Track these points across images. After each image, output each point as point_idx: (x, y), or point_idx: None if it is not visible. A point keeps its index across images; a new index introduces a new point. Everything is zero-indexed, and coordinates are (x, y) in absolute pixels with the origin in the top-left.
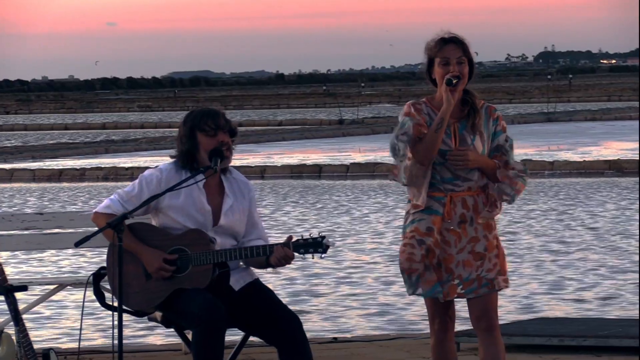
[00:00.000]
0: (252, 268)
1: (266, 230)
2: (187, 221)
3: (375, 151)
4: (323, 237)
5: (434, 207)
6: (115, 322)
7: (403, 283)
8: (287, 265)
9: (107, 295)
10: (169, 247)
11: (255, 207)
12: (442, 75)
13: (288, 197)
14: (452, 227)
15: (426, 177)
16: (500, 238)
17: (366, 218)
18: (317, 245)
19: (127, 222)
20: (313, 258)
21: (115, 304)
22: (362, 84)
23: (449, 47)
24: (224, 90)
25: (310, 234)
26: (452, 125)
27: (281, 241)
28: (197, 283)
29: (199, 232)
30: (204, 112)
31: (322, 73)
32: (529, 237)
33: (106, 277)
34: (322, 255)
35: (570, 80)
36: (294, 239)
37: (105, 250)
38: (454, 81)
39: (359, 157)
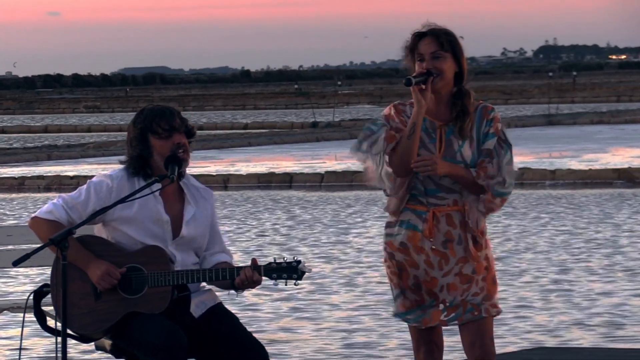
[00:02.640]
0: (214, 289)
1: (229, 248)
2: (143, 235)
3: (353, 158)
4: (299, 262)
5: (412, 221)
6: (59, 347)
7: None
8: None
9: (51, 317)
10: (122, 265)
11: (217, 216)
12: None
13: (255, 210)
14: (434, 247)
15: (404, 186)
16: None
17: (343, 235)
18: (291, 271)
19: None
20: (286, 285)
21: (59, 327)
22: (339, 82)
23: (423, 41)
24: (182, 88)
25: (284, 258)
26: (439, 129)
27: (248, 262)
28: (154, 307)
29: (157, 249)
30: (156, 112)
31: (293, 70)
32: (529, 255)
33: (49, 295)
34: (297, 282)
35: (575, 78)
36: (266, 262)
37: (49, 268)
38: (414, 80)
39: (335, 165)
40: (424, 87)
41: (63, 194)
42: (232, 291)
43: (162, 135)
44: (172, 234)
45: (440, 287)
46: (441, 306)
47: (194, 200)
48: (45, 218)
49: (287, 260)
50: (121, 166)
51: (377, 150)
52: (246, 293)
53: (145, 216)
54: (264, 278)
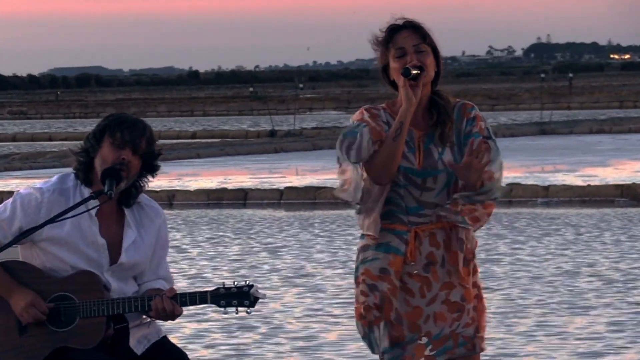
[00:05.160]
0: (159, 321)
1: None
2: (76, 258)
3: (317, 172)
4: (250, 287)
5: (393, 244)
6: None
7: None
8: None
9: None
10: (50, 294)
11: (164, 238)
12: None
13: (203, 231)
14: (415, 272)
15: (380, 200)
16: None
17: (305, 260)
18: (242, 297)
19: None
20: (237, 313)
21: None
22: (301, 85)
23: (402, 34)
24: (121, 91)
25: (234, 282)
26: (417, 140)
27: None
28: (87, 341)
29: (89, 274)
30: (128, 121)
31: (248, 70)
32: (523, 284)
33: None
34: (249, 310)
35: (571, 80)
36: (214, 287)
37: None
38: (414, 72)
39: (295, 180)
40: (413, 83)
41: None
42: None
43: (115, 142)
44: (110, 259)
45: (425, 317)
46: (424, 339)
47: (135, 223)
48: None
49: (238, 285)
50: (55, 177)
51: (365, 156)
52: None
53: (78, 237)
54: (213, 306)
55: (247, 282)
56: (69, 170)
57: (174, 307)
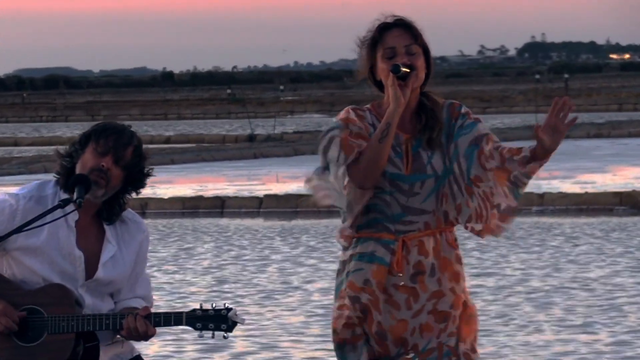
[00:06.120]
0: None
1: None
2: (49, 270)
3: (298, 179)
4: (229, 310)
5: (378, 254)
6: None
7: None
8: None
9: None
10: (19, 306)
11: (145, 255)
12: (389, 72)
13: (178, 242)
14: (402, 283)
15: (359, 205)
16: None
17: (288, 275)
18: (220, 320)
19: None
20: (213, 337)
21: None
22: (281, 87)
23: (392, 33)
24: (91, 94)
25: (212, 305)
26: (405, 143)
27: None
28: (53, 357)
29: (60, 288)
30: (115, 129)
31: (225, 71)
32: (505, 302)
33: None
34: (226, 335)
35: (567, 81)
36: (191, 308)
37: None
38: (403, 69)
39: (276, 188)
40: (402, 83)
41: None
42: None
43: (97, 149)
44: (85, 273)
45: (411, 330)
46: (411, 354)
47: (115, 237)
48: None
49: (216, 308)
50: (33, 183)
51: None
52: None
53: (53, 247)
54: (188, 328)
55: (226, 305)
56: (41, 177)
57: (147, 327)
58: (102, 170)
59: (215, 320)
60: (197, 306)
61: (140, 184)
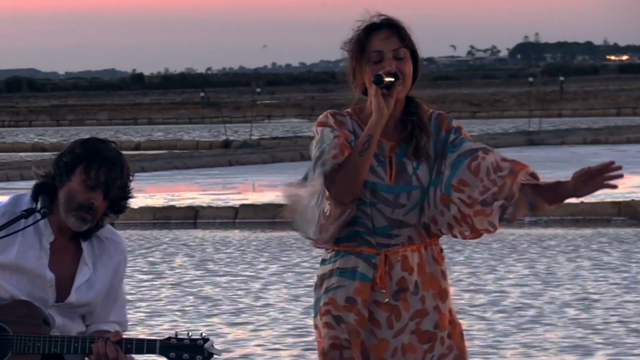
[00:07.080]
0: None
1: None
2: (16, 288)
3: (276, 187)
4: (206, 340)
5: (360, 269)
6: None
7: None
8: None
9: None
10: None
11: (122, 276)
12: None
13: (148, 256)
14: (386, 300)
15: (339, 221)
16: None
17: (263, 290)
18: (195, 351)
19: None
20: None
21: None
22: (258, 90)
23: (379, 35)
24: (56, 97)
25: (189, 333)
26: (389, 152)
27: (138, 335)
28: None
29: (28, 305)
30: (105, 157)
31: (199, 73)
32: (491, 319)
33: None
34: None
35: (562, 84)
36: (165, 336)
37: None
38: (387, 79)
39: (252, 197)
40: (386, 92)
41: None
42: None
43: (87, 182)
44: (57, 295)
45: (392, 350)
46: None
47: (92, 257)
48: None
49: (192, 337)
50: (8, 198)
51: (329, 166)
52: None
53: (22, 264)
54: (161, 358)
55: (203, 335)
56: (3, 185)
57: (118, 353)
58: (92, 207)
59: (190, 351)
60: (172, 334)
61: (122, 210)
